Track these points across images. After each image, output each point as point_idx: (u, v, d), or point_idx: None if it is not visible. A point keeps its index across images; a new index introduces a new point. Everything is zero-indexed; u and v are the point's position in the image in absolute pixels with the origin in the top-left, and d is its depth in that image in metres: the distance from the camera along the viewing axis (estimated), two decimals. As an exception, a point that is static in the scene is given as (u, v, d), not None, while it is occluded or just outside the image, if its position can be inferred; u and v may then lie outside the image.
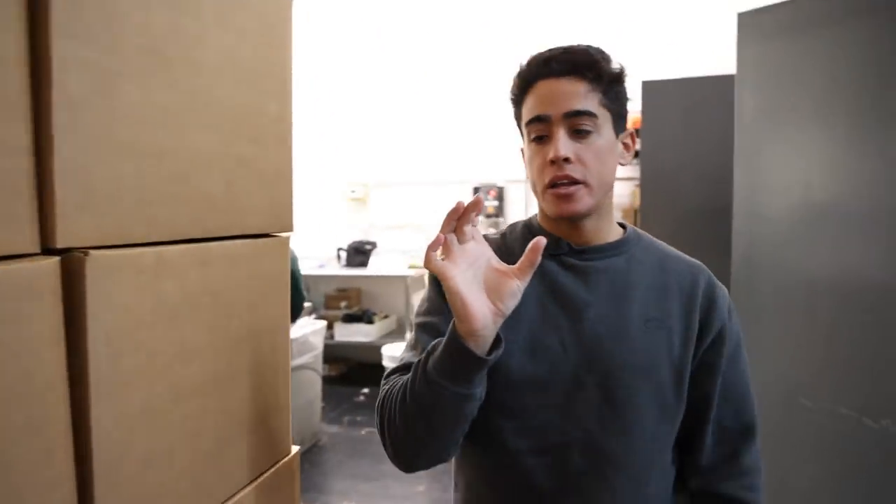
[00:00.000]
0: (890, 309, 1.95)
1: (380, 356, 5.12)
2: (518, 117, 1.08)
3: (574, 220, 1.04)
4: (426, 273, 0.99)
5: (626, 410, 1.00)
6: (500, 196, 5.68)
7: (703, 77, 3.49)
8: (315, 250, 6.09)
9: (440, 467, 1.04)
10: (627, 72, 1.04)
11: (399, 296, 5.93)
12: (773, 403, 2.17)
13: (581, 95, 0.98)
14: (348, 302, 6.05)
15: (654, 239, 1.15)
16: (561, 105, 0.98)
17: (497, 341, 0.88)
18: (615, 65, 1.02)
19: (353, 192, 6.13)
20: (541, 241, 0.83)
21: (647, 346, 1.01)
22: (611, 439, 1.00)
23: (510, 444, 1.02)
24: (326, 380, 5.82)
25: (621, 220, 1.14)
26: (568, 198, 0.99)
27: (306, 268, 5.74)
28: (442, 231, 0.86)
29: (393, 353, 5.07)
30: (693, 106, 3.53)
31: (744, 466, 1.05)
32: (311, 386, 4.26)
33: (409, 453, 0.99)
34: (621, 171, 1.12)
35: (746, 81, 2.39)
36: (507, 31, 5.55)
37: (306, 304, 5.01)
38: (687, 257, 1.12)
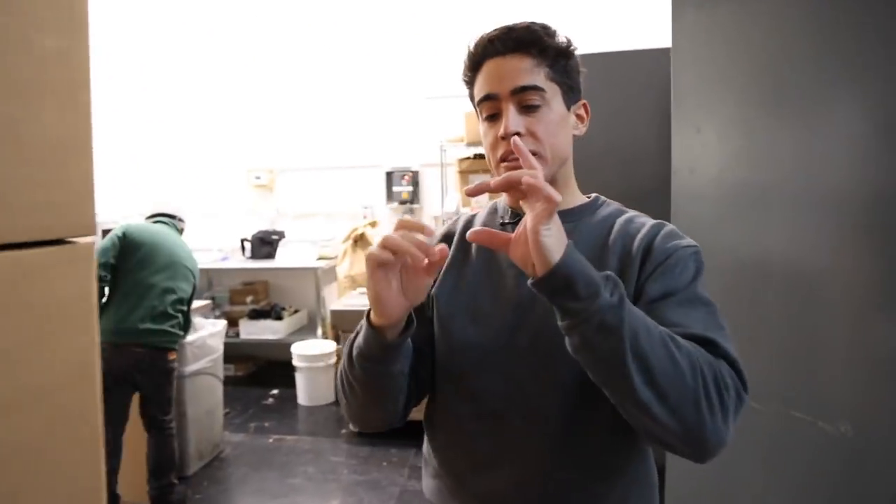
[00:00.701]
0: (845, 300, 1.78)
1: (290, 354, 4.76)
2: (472, 98, 1.09)
3: None
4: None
5: (558, 369, 0.98)
6: (414, 181, 5.38)
7: (641, 50, 3.28)
8: (217, 241, 5.63)
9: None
10: (575, 45, 1.06)
11: (309, 289, 5.55)
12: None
13: (527, 71, 1.00)
14: (255, 297, 5.63)
15: (625, 208, 1.13)
16: (508, 82, 1.00)
17: (409, 323, 0.95)
18: (561, 39, 1.03)
19: (257, 178, 5.69)
20: (444, 250, 0.86)
21: None
22: (547, 400, 1.00)
23: (452, 408, 1.09)
24: (232, 381, 5.41)
25: (597, 194, 1.17)
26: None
27: (208, 260, 5.30)
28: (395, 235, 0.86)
29: (304, 352, 4.72)
30: (630, 81, 3.32)
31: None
32: (210, 393, 3.86)
33: (354, 418, 1.08)
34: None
35: (682, 53, 2.17)
36: (428, 8, 5.24)
37: (204, 302, 4.58)
38: (650, 220, 1.07)
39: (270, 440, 4.12)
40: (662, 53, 2.61)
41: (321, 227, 5.55)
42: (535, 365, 1.00)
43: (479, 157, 4.97)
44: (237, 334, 5.30)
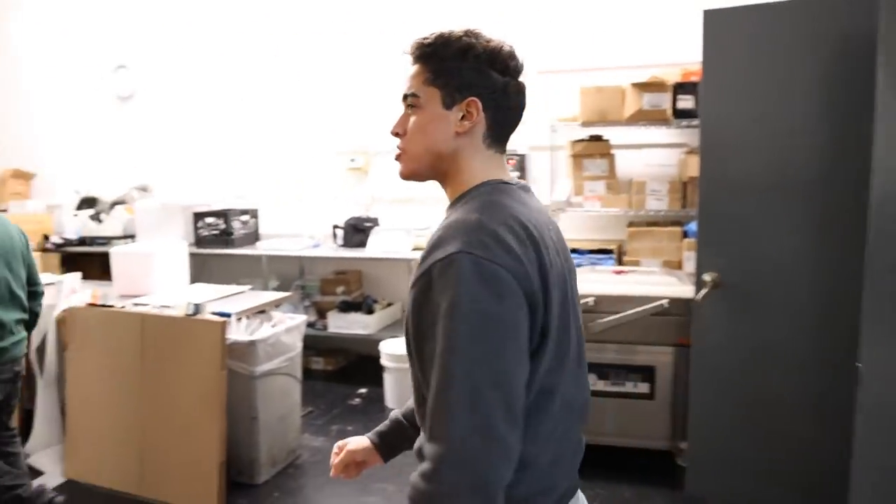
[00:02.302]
0: None
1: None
2: None
3: (407, 181, 1.24)
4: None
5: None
6: (520, 165, 4.84)
7: (785, 2, 2.61)
8: (309, 227, 5.33)
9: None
10: (468, 52, 1.14)
11: (403, 281, 5.14)
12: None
13: (412, 79, 1.18)
14: (346, 287, 5.28)
15: (471, 205, 1.11)
16: (404, 89, 1.20)
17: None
18: (450, 48, 1.14)
19: (351, 161, 5.33)
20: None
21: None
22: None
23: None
24: (321, 375, 5.12)
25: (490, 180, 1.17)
26: (397, 162, 1.23)
27: (298, 248, 5.00)
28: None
29: (393, 351, 4.32)
30: (772, 43, 2.67)
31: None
32: (285, 395, 3.51)
33: None
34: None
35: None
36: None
37: (289, 293, 4.25)
38: (450, 229, 1.05)
39: (351, 448, 3.74)
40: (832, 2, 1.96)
41: (417, 215, 5.13)
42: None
43: (596, 138, 4.37)
44: (325, 327, 4.98)
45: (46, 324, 3.53)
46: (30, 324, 3.01)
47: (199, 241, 5.17)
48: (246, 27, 5.53)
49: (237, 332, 3.29)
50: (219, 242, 5.12)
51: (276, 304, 3.77)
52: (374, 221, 5.06)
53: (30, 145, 6.48)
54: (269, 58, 5.52)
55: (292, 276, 5.43)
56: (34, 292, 3.00)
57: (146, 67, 5.96)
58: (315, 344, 5.17)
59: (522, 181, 1.23)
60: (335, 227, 5.05)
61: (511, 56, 1.17)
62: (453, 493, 0.91)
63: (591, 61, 4.59)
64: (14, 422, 3.00)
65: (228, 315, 3.22)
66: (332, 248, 5.06)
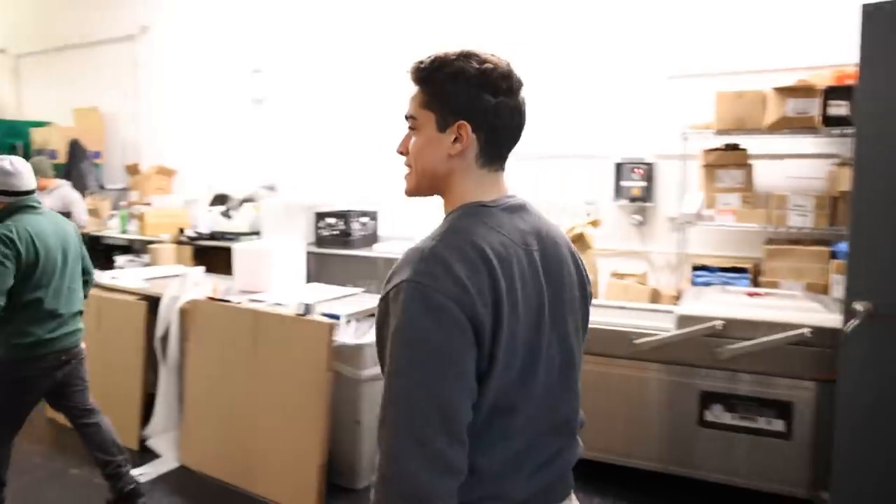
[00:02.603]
0: None
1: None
2: None
3: (411, 197, 1.30)
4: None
5: None
6: (648, 175, 4.57)
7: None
8: (427, 231, 5.26)
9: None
10: (459, 76, 1.17)
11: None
12: None
13: (411, 101, 1.24)
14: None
15: (438, 229, 1.18)
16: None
17: None
18: (442, 71, 1.18)
19: (472, 166, 5.24)
20: None
21: None
22: None
23: None
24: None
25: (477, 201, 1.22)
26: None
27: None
28: None
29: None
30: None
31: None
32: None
33: None
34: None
35: None
36: (669, -33, 4.40)
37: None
38: (406, 256, 1.13)
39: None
40: None
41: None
42: None
43: (732, 147, 4.04)
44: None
45: (170, 314, 3.66)
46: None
47: (320, 241, 5.26)
48: (371, 34, 5.58)
49: (346, 335, 3.27)
50: (338, 243, 5.18)
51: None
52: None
53: (173, 144, 6.89)
54: (394, 62, 5.54)
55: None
56: (86, 280, 3.15)
57: (279, 72, 6.15)
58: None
59: (513, 199, 1.25)
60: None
61: (503, 76, 1.19)
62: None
63: (728, 64, 4.24)
64: (89, 401, 3.10)
65: (338, 317, 3.20)
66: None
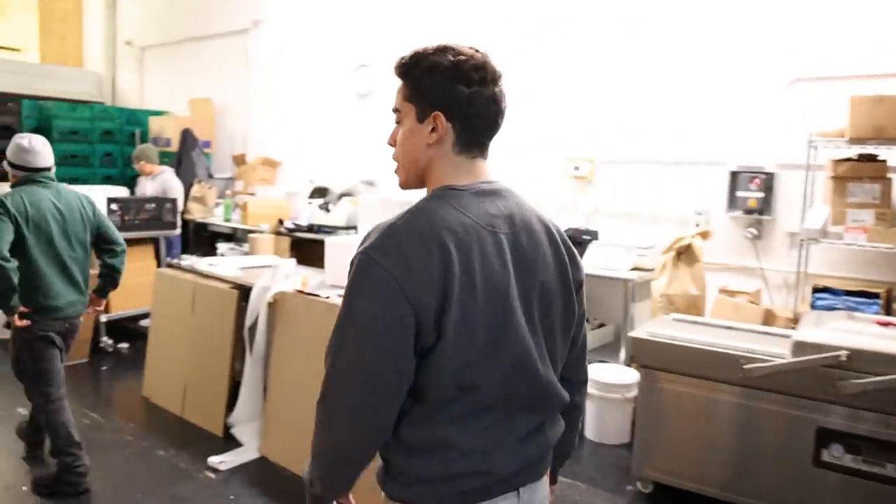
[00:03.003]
0: None
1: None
2: None
3: (405, 190, 1.36)
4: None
5: None
6: (766, 185, 4.22)
7: None
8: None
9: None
10: (434, 69, 1.25)
11: (618, 302, 4.72)
12: None
13: (397, 94, 1.32)
14: (556, 301, 4.98)
15: (407, 209, 1.24)
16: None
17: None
18: (420, 66, 1.26)
19: (575, 168, 5.01)
20: None
21: None
22: None
23: None
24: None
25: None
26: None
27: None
28: None
29: (597, 377, 3.94)
30: None
31: None
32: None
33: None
34: None
35: None
36: None
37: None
38: (373, 229, 1.23)
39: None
40: None
41: (641, 232, 4.69)
42: None
43: (868, 158, 3.65)
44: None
45: (259, 305, 3.66)
46: (109, 278, 3.34)
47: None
48: (476, 30, 5.45)
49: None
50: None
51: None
52: (594, 235, 4.70)
53: (279, 136, 7.02)
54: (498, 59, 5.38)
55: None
56: (111, 250, 3.29)
57: (384, 67, 6.12)
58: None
59: (489, 184, 1.29)
60: (551, 236, 4.78)
61: (476, 68, 1.24)
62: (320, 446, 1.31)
63: (861, 66, 3.84)
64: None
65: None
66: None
